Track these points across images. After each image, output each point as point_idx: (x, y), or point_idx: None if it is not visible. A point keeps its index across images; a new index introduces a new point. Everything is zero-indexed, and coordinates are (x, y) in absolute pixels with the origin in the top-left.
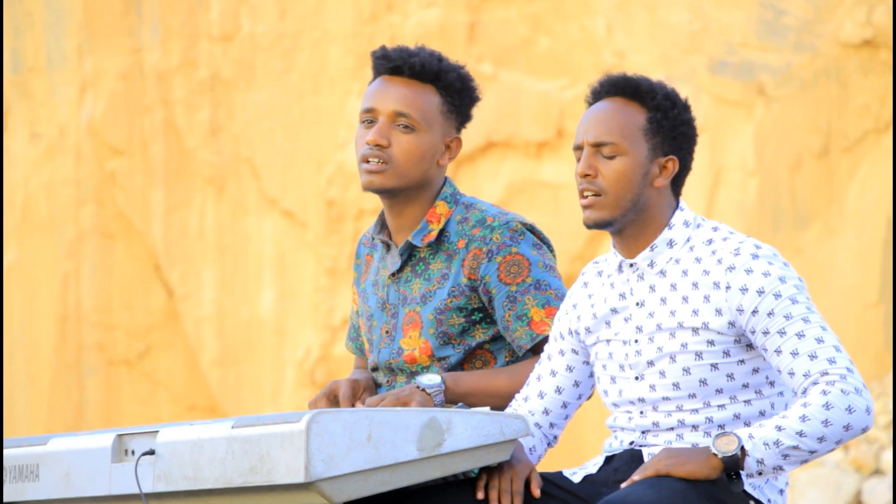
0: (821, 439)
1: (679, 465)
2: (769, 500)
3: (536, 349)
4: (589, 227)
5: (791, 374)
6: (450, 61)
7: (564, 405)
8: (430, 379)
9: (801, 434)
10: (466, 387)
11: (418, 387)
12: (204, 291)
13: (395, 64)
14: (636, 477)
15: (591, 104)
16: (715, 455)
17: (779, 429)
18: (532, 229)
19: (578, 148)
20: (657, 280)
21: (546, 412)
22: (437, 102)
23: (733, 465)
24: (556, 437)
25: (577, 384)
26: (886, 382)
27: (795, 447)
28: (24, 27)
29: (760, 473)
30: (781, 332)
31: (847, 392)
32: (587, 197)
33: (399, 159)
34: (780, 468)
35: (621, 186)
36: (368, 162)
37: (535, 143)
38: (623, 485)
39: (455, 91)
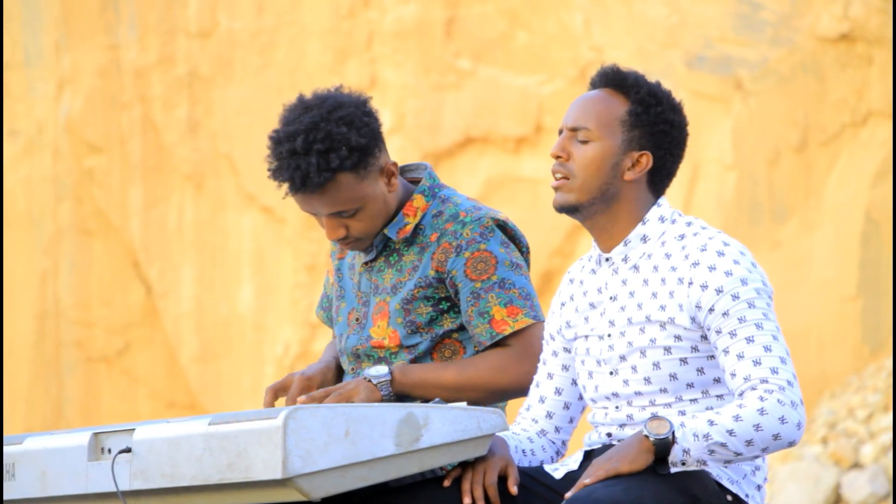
0: (749, 443)
1: (620, 462)
2: (747, 496)
3: (497, 346)
4: (557, 210)
5: (733, 375)
6: (325, 138)
7: (566, 406)
8: (377, 370)
9: (731, 433)
10: (414, 377)
11: (365, 378)
12: (183, 288)
13: (291, 192)
14: (587, 481)
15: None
16: (647, 437)
17: (711, 423)
18: (504, 226)
19: (560, 131)
20: (630, 275)
21: (549, 416)
22: (351, 183)
23: (663, 449)
24: (564, 444)
25: (574, 383)
26: (865, 376)
27: (723, 444)
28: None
29: (684, 463)
30: (732, 334)
31: (783, 403)
32: (557, 179)
33: (363, 231)
34: (704, 462)
35: (589, 172)
36: (344, 245)
37: (513, 138)
38: (573, 489)
39: (354, 163)
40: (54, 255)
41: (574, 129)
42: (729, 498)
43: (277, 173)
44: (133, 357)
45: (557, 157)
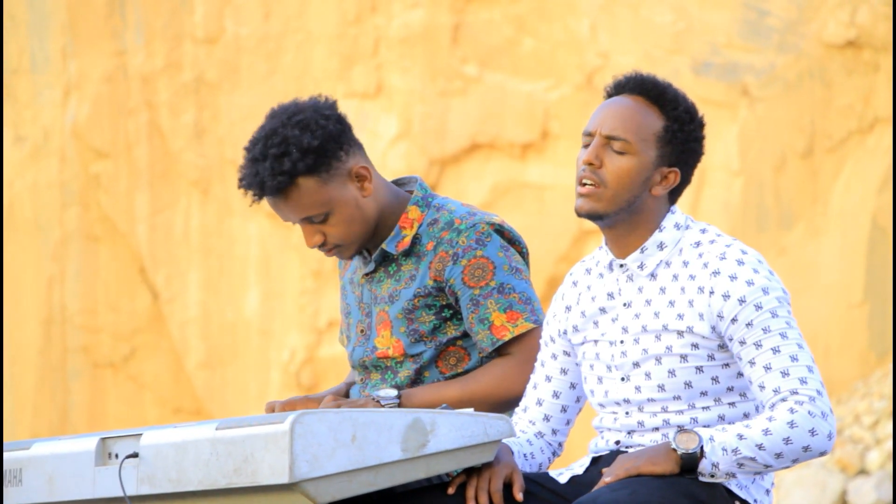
0: (778, 455)
1: (645, 464)
2: (755, 500)
3: (500, 352)
4: (580, 215)
5: (761, 387)
6: (280, 143)
7: (564, 409)
8: (387, 393)
9: (760, 447)
10: (418, 401)
11: (374, 398)
12: (189, 293)
13: (254, 199)
14: (608, 479)
15: (610, 95)
16: (674, 450)
17: (740, 437)
18: (500, 230)
19: (589, 134)
20: (646, 282)
21: (546, 419)
22: (313, 187)
23: (691, 463)
24: (560, 445)
25: (573, 386)
26: (871, 382)
27: (752, 458)
28: (7, 29)
29: (713, 476)
30: (757, 345)
31: (814, 415)
32: (586, 185)
33: (341, 238)
34: (733, 475)
35: (622, 184)
36: (327, 252)
37: (519, 144)
38: (595, 488)
39: (308, 165)
40: (61, 261)
41: (610, 138)
42: (737, 503)
43: (242, 181)
44: (139, 363)
45: (590, 164)
